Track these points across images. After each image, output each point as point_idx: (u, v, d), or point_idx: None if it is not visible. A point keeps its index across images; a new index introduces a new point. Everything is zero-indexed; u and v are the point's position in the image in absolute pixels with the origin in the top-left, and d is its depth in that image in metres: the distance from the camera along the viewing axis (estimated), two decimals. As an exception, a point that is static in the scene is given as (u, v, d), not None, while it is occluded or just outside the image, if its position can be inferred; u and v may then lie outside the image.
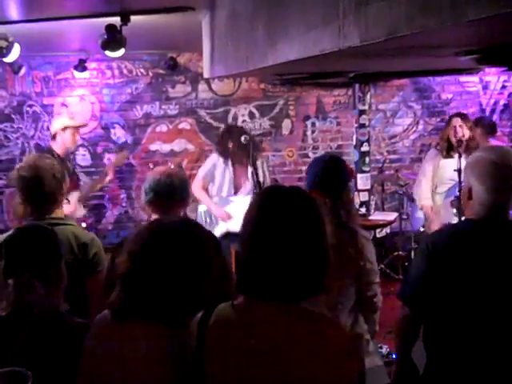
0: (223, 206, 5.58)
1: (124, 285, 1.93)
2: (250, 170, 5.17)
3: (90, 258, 2.94)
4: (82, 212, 5.67)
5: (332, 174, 2.99)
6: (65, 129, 5.51)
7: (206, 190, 5.68)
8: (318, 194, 2.88)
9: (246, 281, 1.78)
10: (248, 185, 5.48)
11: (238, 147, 5.39)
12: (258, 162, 5.49)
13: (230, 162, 5.57)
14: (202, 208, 5.76)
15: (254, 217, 1.79)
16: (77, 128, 5.64)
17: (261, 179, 5.37)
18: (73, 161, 6.18)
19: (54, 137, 5.54)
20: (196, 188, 5.57)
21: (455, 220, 5.06)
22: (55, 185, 3.01)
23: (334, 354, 1.70)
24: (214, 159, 5.65)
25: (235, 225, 5.37)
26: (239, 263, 1.80)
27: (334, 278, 2.79)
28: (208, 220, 5.68)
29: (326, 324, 1.76)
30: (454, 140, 5.20)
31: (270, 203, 1.79)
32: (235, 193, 5.60)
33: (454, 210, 5.09)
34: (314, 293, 1.77)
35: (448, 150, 5.31)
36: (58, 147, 5.48)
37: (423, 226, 5.52)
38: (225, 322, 1.78)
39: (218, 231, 5.47)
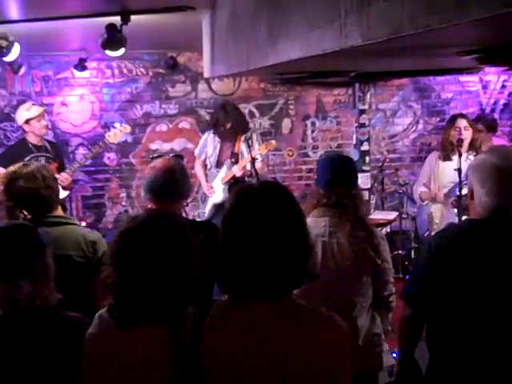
0: (212, 180, 5.92)
1: (113, 289, 1.94)
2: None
3: (100, 256, 2.95)
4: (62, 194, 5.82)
5: (349, 169, 3.04)
6: (27, 121, 5.69)
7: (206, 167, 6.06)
8: (340, 190, 2.91)
9: (229, 283, 1.77)
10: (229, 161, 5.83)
11: (230, 129, 5.73)
12: (253, 136, 5.85)
13: (218, 139, 5.87)
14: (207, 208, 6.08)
15: (228, 219, 1.79)
16: (39, 116, 5.72)
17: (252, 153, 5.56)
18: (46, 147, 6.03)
19: (23, 129, 5.81)
20: (196, 166, 6.13)
21: (457, 219, 5.06)
22: (46, 192, 2.99)
23: (330, 350, 1.70)
24: (205, 137, 6.05)
25: (216, 197, 5.81)
26: (221, 265, 1.79)
27: (353, 277, 2.84)
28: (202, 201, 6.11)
29: (322, 320, 1.75)
30: (455, 141, 5.19)
31: (242, 204, 1.78)
32: (217, 167, 5.89)
33: (455, 210, 5.11)
34: (300, 282, 1.77)
35: (450, 152, 5.30)
36: (30, 138, 5.73)
37: (427, 230, 5.49)
38: (220, 320, 1.78)
39: (207, 209, 5.90)
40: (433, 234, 5.25)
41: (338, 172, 2.99)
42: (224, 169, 5.81)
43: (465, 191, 4.97)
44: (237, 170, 5.62)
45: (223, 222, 1.81)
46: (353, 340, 2.76)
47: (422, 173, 5.64)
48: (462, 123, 5.24)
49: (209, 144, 5.93)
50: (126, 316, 1.90)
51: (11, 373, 2.05)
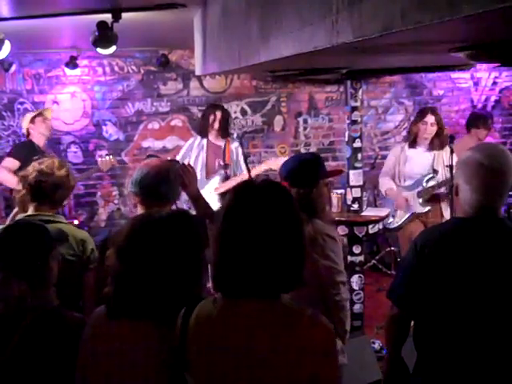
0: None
1: (115, 281, 1.93)
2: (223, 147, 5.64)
3: (89, 254, 2.99)
4: None
5: (298, 170, 3.09)
6: (33, 120, 5.86)
7: None
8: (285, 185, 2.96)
9: (222, 279, 1.77)
10: (220, 167, 5.76)
11: (219, 121, 5.71)
12: (232, 146, 5.68)
13: (205, 144, 5.75)
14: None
15: (226, 214, 1.79)
16: (43, 115, 5.93)
17: (231, 162, 5.60)
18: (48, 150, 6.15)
19: (28, 134, 5.92)
20: None
21: (420, 209, 5.41)
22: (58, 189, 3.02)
23: (315, 349, 1.70)
24: (190, 141, 5.92)
25: None
26: (213, 262, 1.80)
27: None
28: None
29: (308, 319, 1.75)
30: (423, 136, 5.42)
31: (242, 199, 1.79)
32: (207, 177, 5.76)
33: (420, 200, 5.42)
34: (292, 286, 1.78)
35: (413, 141, 5.53)
36: (36, 140, 5.87)
37: (393, 216, 5.60)
38: (206, 319, 1.78)
39: None
40: (395, 221, 5.57)
41: (289, 170, 3.10)
42: (216, 179, 5.72)
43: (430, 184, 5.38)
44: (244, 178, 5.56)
45: (221, 216, 1.80)
46: None
47: (387, 164, 5.78)
48: (431, 119, 5.42)
49: (194, 150, 5.82)
50: (121, 307, 1.90)
51: (11, 372, 2.05)
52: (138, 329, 1.89)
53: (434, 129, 5.42)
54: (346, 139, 5.19)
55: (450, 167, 4.84)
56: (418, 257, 2.37)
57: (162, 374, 1.84)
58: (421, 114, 5.57)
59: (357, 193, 5.17)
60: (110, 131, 7.19)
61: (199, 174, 5.73)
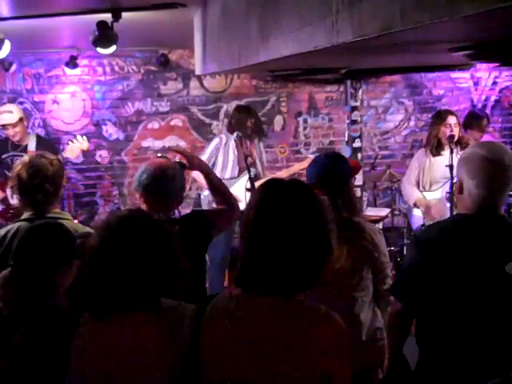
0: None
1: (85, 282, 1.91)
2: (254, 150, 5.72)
3: None
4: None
5: (329, 172, 2.97)
6: (3, 126, 5.60)
7: None
8: (317, 192, 2.90)
9: (244, 275, 1.79)
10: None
11: (254, 125, 5.79)
12: (260, 145, 5.75)
13: (234, 144, 5.75)
14: (205, 193, 5.88)
15: (253, 211, 1.80)
16: (10, 124, 5.57)
17: (258, 161, 5.71)
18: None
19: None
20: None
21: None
22: (53, 184, 3.00)
23: (328, 346, 1.71)
24: (216, 142, 5.89)
25: (242, 205, 5.58)
26: (239, 257, 1.81)
27: (352, 273, 2.81)
28: (214, 205, 5.82)
29: (321, 316, 1.76)
30: (446, 137, 5.27)
31: (270, 197, 1.80)
32: (238, 174, 5.80)
33: (448, 204, 5.15)
34: (311, 285, 1.79)
35: (438, 147, 5.40)
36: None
37: (423, 225, 5.51)
38: (222, 313, 1.80)
39: None
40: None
41: (319, 175, 2.96)
42: (246, 176, 5.71)
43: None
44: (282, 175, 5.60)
45: (248, 213, 1.81)
46: (356, 336, 2.78)
47: (411, 170, 5.69)
48: (453, 120, 5.34)
49: (221, 150, 5.81)
50: (102, 307, 1.88)
51: (14, 370, 2.05)
52: (127, 324, 1.87)
53: (458, 129, 5.34)
54: (346, 139, 5.20)
55: (450, 167, 4.84)
56: (420, 253, 2.39)
57: (158, 367, 1.83)
58: (439, 116, 5.47)
59: (357, 193, 5.17)
60: (110, 131, 7.19)
61: (231, 172, 5.79)
